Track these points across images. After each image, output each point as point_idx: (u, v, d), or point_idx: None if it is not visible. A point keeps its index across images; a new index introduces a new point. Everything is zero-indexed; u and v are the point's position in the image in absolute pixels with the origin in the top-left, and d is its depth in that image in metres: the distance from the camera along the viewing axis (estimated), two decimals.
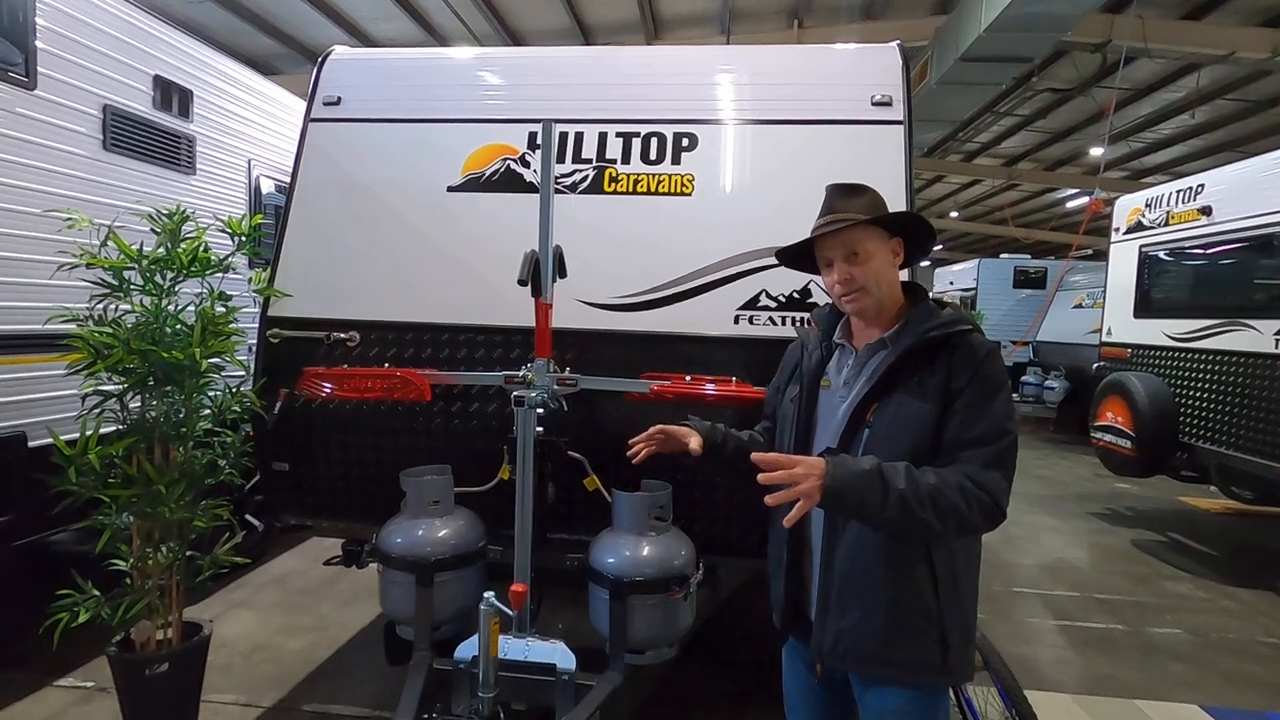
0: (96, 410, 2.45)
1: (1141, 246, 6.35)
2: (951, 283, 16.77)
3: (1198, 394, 5.44)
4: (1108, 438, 6.07)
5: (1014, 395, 13.20)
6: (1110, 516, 6.68)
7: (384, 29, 9.53)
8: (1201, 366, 5.43)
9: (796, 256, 1.74)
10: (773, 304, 2.56)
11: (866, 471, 1.36)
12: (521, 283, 2.21)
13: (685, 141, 2.72)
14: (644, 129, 2.74)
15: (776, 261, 1.79)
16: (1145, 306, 6.29)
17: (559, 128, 2.67)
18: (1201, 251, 5.67)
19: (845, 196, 1.59)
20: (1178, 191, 5.94)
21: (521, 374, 2.38)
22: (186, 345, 2.47)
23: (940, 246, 28.94)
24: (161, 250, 2.55)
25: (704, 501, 2.57)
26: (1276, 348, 4.74)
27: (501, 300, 2.53)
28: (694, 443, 1.70)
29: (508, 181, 2.75)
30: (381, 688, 3.08)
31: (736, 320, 2.56)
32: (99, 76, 3.26)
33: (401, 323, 2.70)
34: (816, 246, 1.62)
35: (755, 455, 1.39)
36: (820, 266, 1.64)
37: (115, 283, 2.49)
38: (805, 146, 2.67)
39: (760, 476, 1.35)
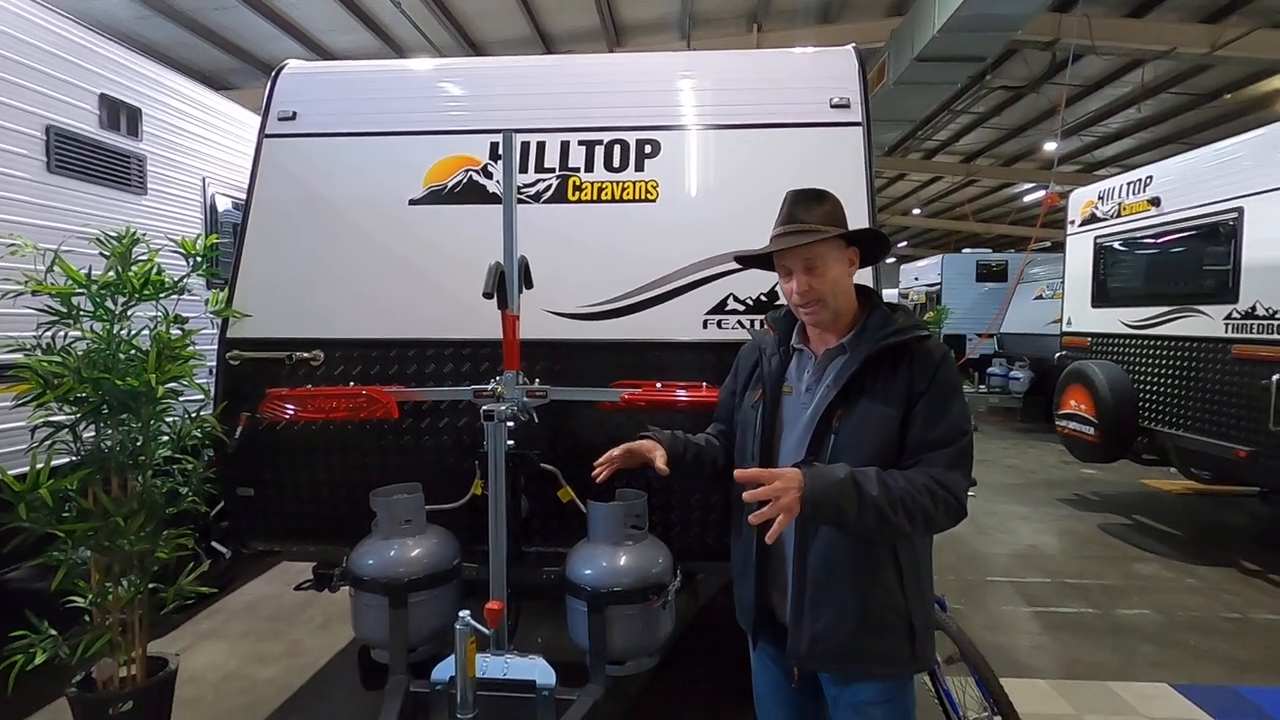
0: (47, 442, 2.36)
1: (1096, 238, 6.53)
2: (916, 278, 17.12)
3: (1155, 379, 5.60)
4: (1072, 425, 6.22)
5: (981, 386, 13.48)
6: (1078, 502, 6.85)
7: (340, 41, 9.40)
8: (1157, 353, 5.60)
9: (756, 258, 1.75)
10: (740, 307, 2.57)
11: (841, 480, 1.39)
12: (487, 295, 2.18)
13: (648, 148, 2.72)
14: (606, 136, 2.74)
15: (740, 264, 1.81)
16: (1102, 296, 6.47)
17: (521, 137, 2.66)
18: (1153, 241, 5.85)
19: (804, 204, 1.61)
20: (1128, 184, 6.13)
21: (490, 387, 2.35)
22: (141, 371, 2.39)
23: (904, 244, 29.47)
24: (111, 274, 2.47)
25: (680, 507, 2.56)
26: (1226, 332, 4.91)
27: (468, 313, 2.50)
28: (659, 461, 1.69)
29: (471, 193, 2.73)
30: (359, 713, 3.01)
31: (705, 325, 2.57)
32: (41, 96, 3.16)
33: (366, 339, 2.65)
34: (775, 257, 1.63)
35: (738, 473, 1.43)
36: (779, 273, 1.66)
37: (63, 309, 2.40)
38: (767, 150, 2.69)
39: (745, 495, 1.37)
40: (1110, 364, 6.06)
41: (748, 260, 1.77)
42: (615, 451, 1.73)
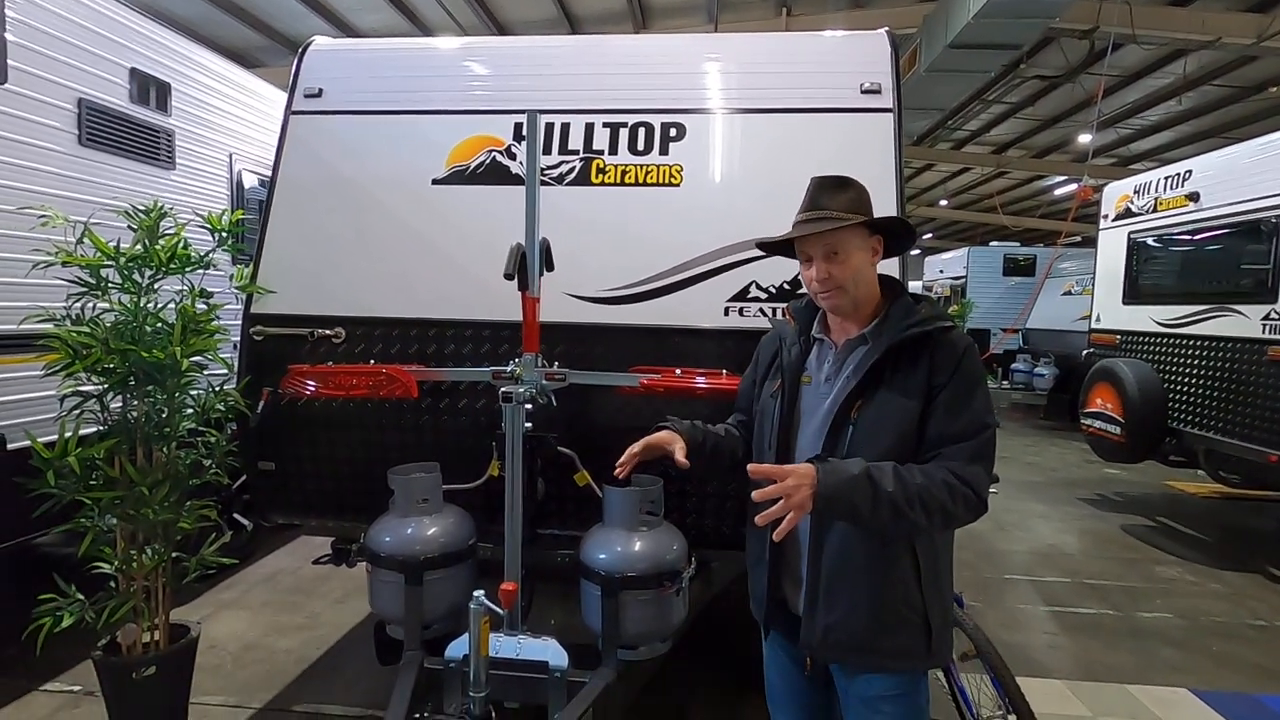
0: (76, 411, 2.40)
1: (1130, 233, 6.37)
2: (941, 271, 16.85)
3: (1186, 380, 5.47)
4: (1097, 424, 6.11)
5: (1004, 382, 13.30)
6: (1100, 502, 6.74)
7: (367, 20, 9.39)
8: (1190, 352, 5.46)
9: (778, 245, 1.72)
10: (763, 295, 2.54)
11: (856, 476, 1.37)
12: (508, 277, 2.18)
13: (673, 131, 2.69)
14: (631, 119, 2.71)
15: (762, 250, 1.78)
16: (1134, 293, 6.32)
17: (545, 118, 2.63)
18: (1189, 238, 5.69)
19: (828, 192, 1.58)
20: (1166, 178, 5.96)
21: (509, 369, 2.35)
22: (167, 344, 2.42)
23: (930, 235, 29.00)
24: (139, 247, 2.50)
25: (696, 495, 2.55)
26: (1263, 333, 4.77)
27: (488, 294, 2.49)
28: (679, 454, 1.66)
29: (493, 173, 2.71)
30: (373, 686, 3.06)
31: (726, 312, 2.54)
32: (73, 70, 3.19)
33: (387, 318, 2.66)
34: (797, 243, 1.61)
35: (751, 467, 1.41)
36: (800, 259, 1.63)
37: (92, 281, 2.44)
38: (794, 135, 2.64)
39: (754, 494, 1.36)
40: (1140, 363, 5.92)
41: (769, 246, 1.74)
42: (635, 447, 1.71)
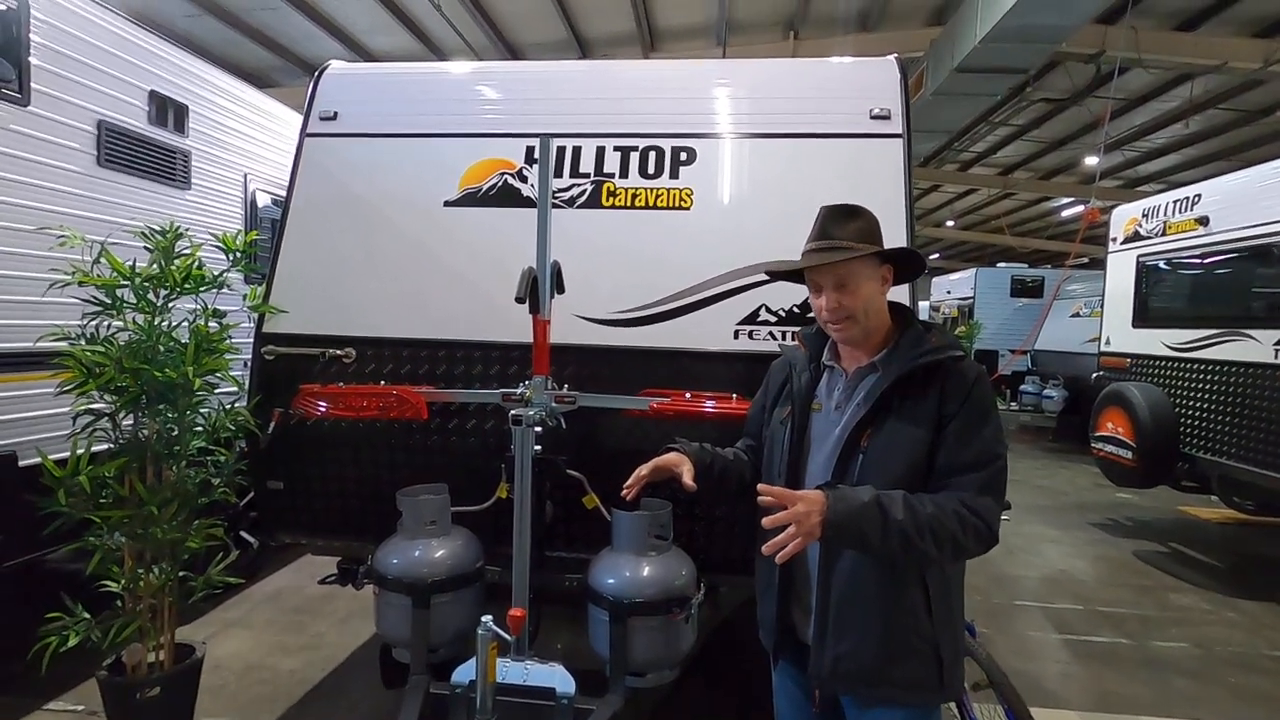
0: (88, 429, 2.41)
1: (1139, 256, 6.35)
2: (949, 291, 16.82)
3: (1198, 404, 5.42)
4: (1108, 448, 6.05)
5: (1013, 404, 13.21)
6: (1111, 527, 6.65)
7: (381, 43, 9.56)
8: (1201, 377, 5.41)
9: (787, 272, 1.73)
10: (773, 319, 2.54)
11: (865, 504, 1.36)
12: (519, 300, 2.19)
13: (683, 155, 2.71)
14: (642, 143, 2.73)
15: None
16: (1144, 316, 6.29)
17: (557, 142, 2.66)
18: (1199, 261, 5.67)
19: (838, 221, 1.58)
20: (1175, 201, 5.95)
21: (519, 391, 2.36)
22: (179, 363, 2.44)
23: (937, 255, 29.02)
24: (155, 267, 2.52)
25: (705, 519, 2.54)
26: (1276, 358, 4.73)
27: (499, 316, 2.50)
28: (687, 478, 1.66)
29: (505, 196, 2.74)
30: (378, 710, 3.03)
31: (736, 335, 2.54)
32: (93, 92, 3.25)
33: (398, 339, 2.67)
34: (806, 273, 1.61)
35: (761, 487, 1.41)
36: (809, 288, 1.63)
37: (108, 300, 2.46)
38: (804, 160, 2.66)
39: (764, 520, 1.36)
40: (1150, 386, 5.88)
41: (778, 274, 1.74)
42: (643, 470, 1.71)
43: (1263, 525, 6.63)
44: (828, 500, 1.35)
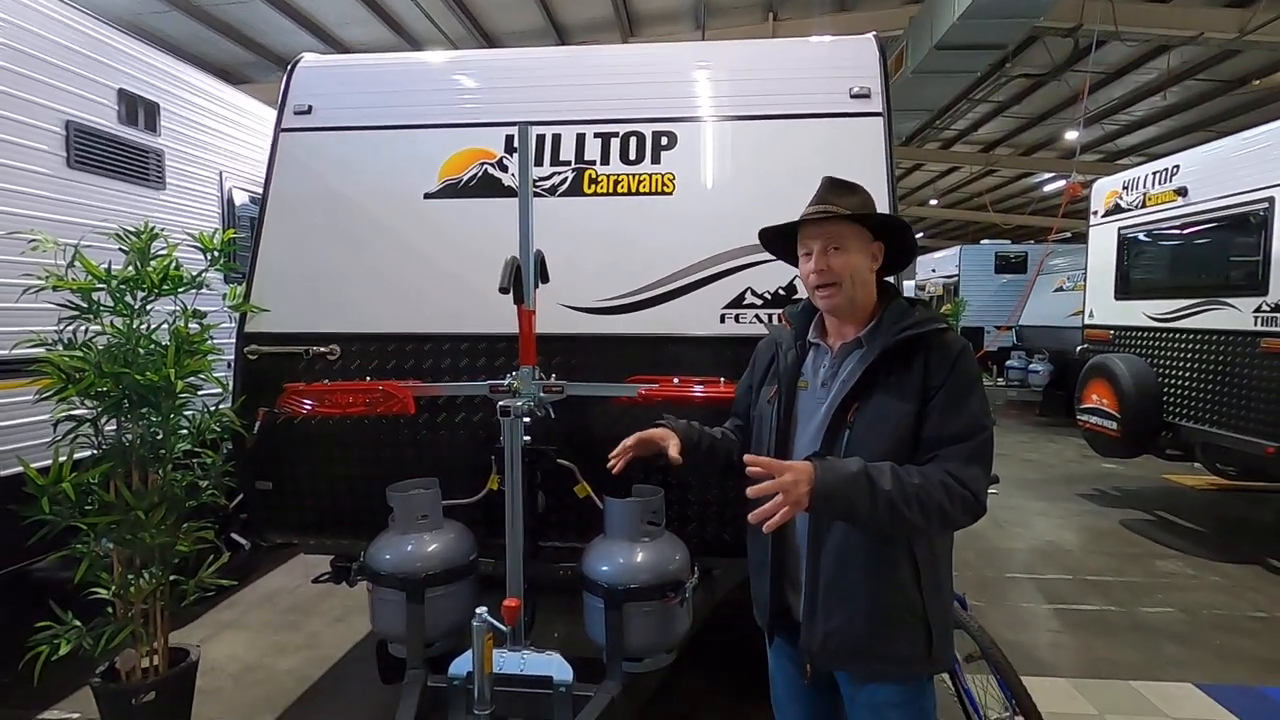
0: (69, 436, 2.38)
1: (1120, 229, 6.41)
2: (934, 270, 16.91)
3: (1180, 373, 5.49)
4: (1093, 420, 6.13)
5: (999, 380, 13.33)
6: (1098, 497, 6.75)
7: (355, 34, 9.40)
8: (1183, 346, 5.49)
9: (777, 242, 1.73)
10: (758, 301, 2.53)
11: (854, 474, 1.37)
12: (503, 290, 2.17)
13: (664, 140, 2.69)
14: (622, 129, 2.71)
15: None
16: (1126, 288, 6.35)
17: (536, 130, 2.63)
18: (1179, 232, 5.73)
19: (838, 192, 1.59)
20: (1154, 173, 6.00)
21: (507, 383, 2.35)
22: (161, 366, 2.41)
23: (921, 234, 29.13)
24: (131, 269, 2.48)
25: (697, 503, 2.54)
26: (1256, 325, 4.80)
27: (484, 307, 2.48)
28: (673, 450, 1.68)
29: (486, 186, 2.71)
30: (376, 706, 3.03)
31: (722, 319, 2.54)
32: (60, 92, 3.18)
33: (382, 334, 2.65)
34: (800, 233, 1.61)
35: (748, 457, 1.40)
36: (800, 255, 1.63)
37: (84, 304, 2.42)
38: (785, 141, 2.65)
39: (750, 490, 1.36)
40: (1134, 357, 5.95)
41: (771, 240, 1.74)
42: (629, 441, 1.72)
43: (1245, 490, 6.75)
44: (816, 470, 1.35)
